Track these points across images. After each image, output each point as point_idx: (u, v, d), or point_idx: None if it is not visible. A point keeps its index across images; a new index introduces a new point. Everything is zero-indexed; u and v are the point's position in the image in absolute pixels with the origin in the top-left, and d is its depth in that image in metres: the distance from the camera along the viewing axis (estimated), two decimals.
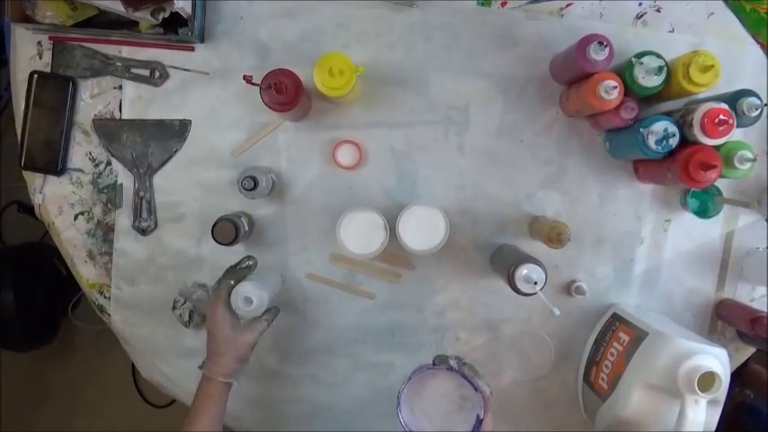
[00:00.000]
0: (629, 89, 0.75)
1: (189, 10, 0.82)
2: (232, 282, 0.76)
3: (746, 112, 0.74)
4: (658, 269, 0.91)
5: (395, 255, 0.89)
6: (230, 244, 0.81)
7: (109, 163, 0.90)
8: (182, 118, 0.89)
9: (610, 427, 0.79)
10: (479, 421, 0.59)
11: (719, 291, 0.91)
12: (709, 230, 0.90)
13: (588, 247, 0.90)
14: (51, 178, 0.90)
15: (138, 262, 0.91)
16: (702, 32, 0.87)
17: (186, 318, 0.89)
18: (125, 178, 0.90)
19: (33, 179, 0.91)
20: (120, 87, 0.89)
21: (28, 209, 1.65)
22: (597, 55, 0.73)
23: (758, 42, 0.88)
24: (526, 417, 0.93)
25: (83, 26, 0.85)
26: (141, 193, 0.90)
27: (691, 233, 0.90)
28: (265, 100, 0.77)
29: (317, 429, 0.93)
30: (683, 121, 0.74)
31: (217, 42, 0.88)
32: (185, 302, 0.89)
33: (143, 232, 0.90)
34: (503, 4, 0.87)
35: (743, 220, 0.90)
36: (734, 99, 0.75)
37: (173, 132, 0.89)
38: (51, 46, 0.88)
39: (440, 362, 0.62)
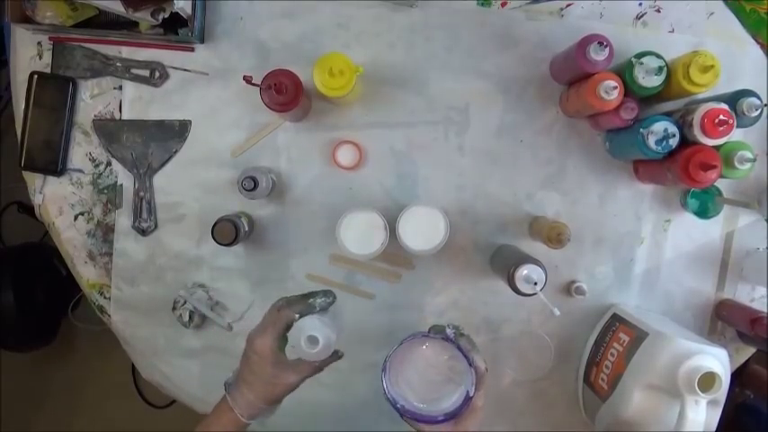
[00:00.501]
0: (629, 89, 0.75)
1: (189, 10, 0.82)
2: (297, 315, 0.63)
3: (746, 113, 0.74)
4: (658, 269, 0.91)
5: (395, 255, 0.89)
6: (230, 244, 0.81)
7: (109, 163, 0.90)
8: (182, 118, 0.89)
9: (610, 427, 0.79)
10: (468, 399, 0.55)
11: (719, 291, 0.91)
12: (709, 231, 0.90)
13: (588, 247, 0.90)
14: (51, 179, 0.90)
15: (138, 262, 0.91)
16: (702, 32, 0.87)
17: (186, 318, 0.89)
18: (125, 179, 0.90)
19: (33, 179, 0.91)
20: (120, 88, 0.89)
21: (28, 209, 1.65)
22: (597, 55, 0.73)
23: (758, 42, 0.88)
24: (526, 417, 0.93)
25: (83, 26, 0.85)
26: (141, 194, 0.90)
27: (691, 233, 0.90)
28: (265, 100, 0.77)
29: (318, 429, 0.93)
30: (683, 121, 0.74)
31: (217, 42, 0.88)
32: (185, 303, 0.89)
33: (143, 233, 0.90)
34: (503, 5, 0.87)
35: (743, 221, 0.90)
36: (734, 99, 0.75)
37: (173, 133, 0.89)
38: (51, 46, 0.88)
39: (436, 331, 0.59)
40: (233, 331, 0.92)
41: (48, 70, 0.88)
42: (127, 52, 0.88)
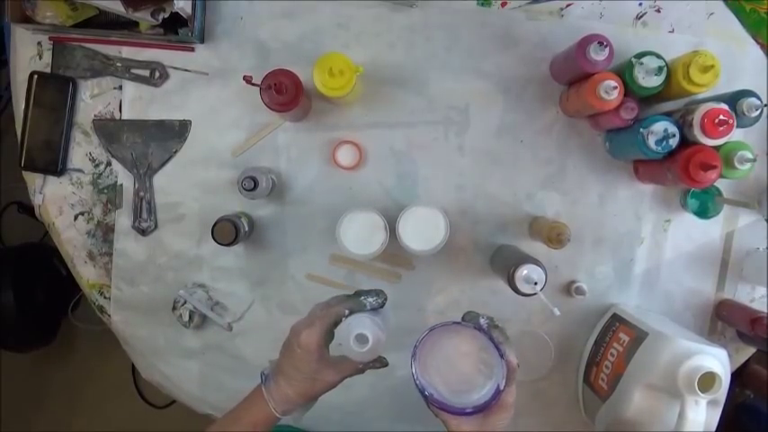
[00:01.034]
0: (629, 89, 0.75)
1: (189, 10, 0.82)
2: (347, 311, 0.61)
3: (746, 113, 0.74)
4: (658, 269, 0.91)
5: (395, 255, 0.89)
6: (230, 244, 0.81)
7: (109, 163, 0.90)
8: (182, 118, 0.89)
9: (610, 427, 0.79)
10: (498, 392, 0.53)
11: (719, 291, 0.91)
12: (709, 231, 0.90)
13: (588, 247, 0.90)
14: (51, 179, 0.90)
15: (138, 262, 0.91)
16: (702, 32, 0.87)
17: (186, 318, 0.89)
18: (125, 179, 0.90)
19: (33, 179, 0.91)
20: (120, 88, 0.89)
21: (28, 209, 1.64)
22: (597, 55, 0.73)
23: (758, 42, 0.88)
24: (526, 417, 0.93)
25: (83, 26, 0.85)
26: (141, 194, 0.90)
27: (691, 233, 0.90)
28: (265, 100, 0.77)
29: (317, 429, 0.93)
30: (683, 121, 0.74)
31: (217, 42, 0.88)
32: (185, 303, 0.89)
33: (143, 233, 0.90)
34: (503, 5, 0.87)
35: (743, 221, 0.90)
36: (734, 99, 0.75)
37: (173, 133, 0.89)
38: (51, 46, 0.88)
39: (469, 319, 0.56)
40: (233, 331, 0.92)
41: (48, 70, 0.88)
42: (127, 52, 0.88)
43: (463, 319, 0.58)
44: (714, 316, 0.92)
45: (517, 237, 0.89)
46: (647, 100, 0.78)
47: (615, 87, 0.73)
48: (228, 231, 0.80)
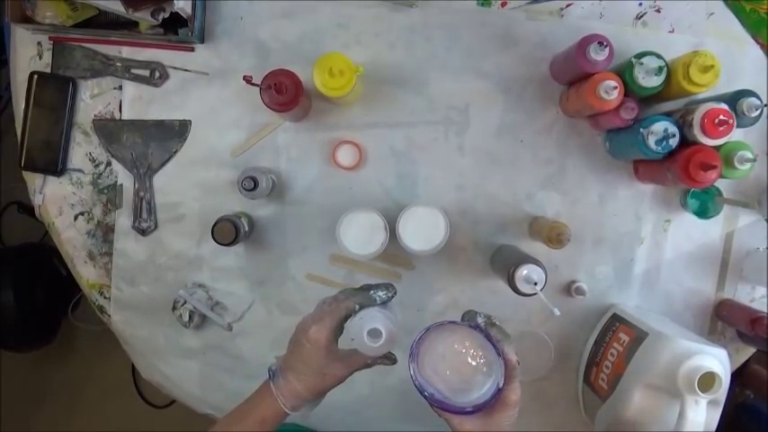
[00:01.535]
0: (629, 89, 0.75)
1: (189, 10, 0.82)
2: (357, 306, 0.61)
3: (746, 113, 0.74)
4: (658, 269, 0.91)
5: (395, 255, 0.89)
6: (230, 244, 0.81)
7: (109, 163, 0.90)
8: (182, 118, 0.89)
9: (610, 427, 0.79)
10: (498, 390, 0.53)
11: (719, 291, 0.91)
12: (709, 231, 0.90)
13: (588, 247, 0.90)
14: (51, 179, 0.90)
15: (138, 262, 0.91)
16: (702, 32, 0.87)
17: (186, 318, 0.89)
18: (125, 179, 0.90)
19: (33, 179, 0.91)
20: (120, 88, 0.89)
21: (28, 209, 1.65)
22: (597, 55, 0.73)
23: (758, 42, 0.88)
24: (526, 417, 0.93)
25: (83, 26, 0.85)
26: (141, 194, 0.90)
27: (691, 233, 0.90)
28: (265, 100, 0.77)
29: (317, 429, 0.93)
30: (683, 121, 0.74)
31: (217, 42, 0.88)
32: (185, 303, 0.89)
33: (143, 233, 0.90)
34: (503, 5, 0.87)
35: (743, 221, 0.90)
36: (734, 99, 0.75)
37: (173, 133, 0.89)
38: (51, 46, 0.88)
39: (468, 318, 0.56)
40: (233, 331, 0.92)
41: (48, 70, 0.88)
42: (127, 52, 0.88)
43: (462, 318, 0.57)
44: (714, 316, 0.92)
45: (517, 237, 0.89)
46: (647, 100, 0.78)
47: (615, 87, 0.73)
48: (228, 231, 0.80)
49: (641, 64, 0.74)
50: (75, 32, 0.86)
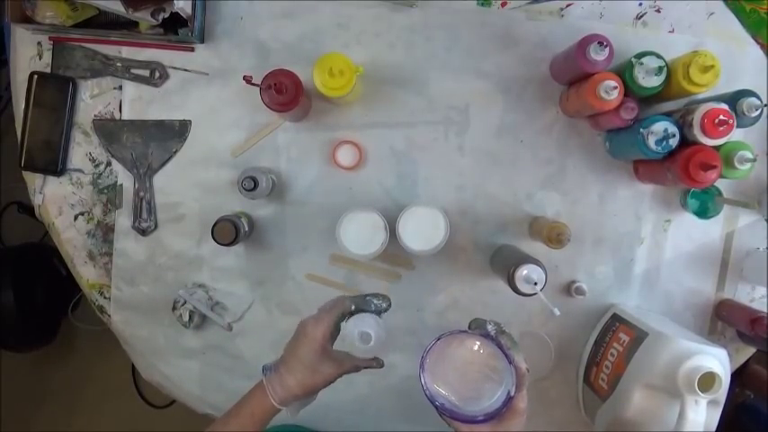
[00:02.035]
0: (629, 89, 0.75)
1: (189, 10, 0.82)
2: (353, 306, 0.64)
3: (746, 113, 0.74)
4: (658, 269, 0.90)
5: (395, 255, 0.89)
6: (230, 244, 0.81)
7: (109, 163, 0.90)
8: (182, 118, 0.89)
9: (610, 427, 0.79)
10: (509, 398, 0.53)
11: (719, 291, 0.91)
12: (709, 231, 0.90)
13: (588, 247, 0.90)
14: (51, 179, 0.90)
15: (138, 262, 0.91)
16: (702, 32, 0.87)
17: (186, 318, 0.89)
18: (125, 179, 0.90)
19: (33, 179, 0.91)
20: (120, 88, 0.89)
21: (28, 209, 1.65)
22: (597, 55, 0.73)
23: (758, 42, 0.88)
24: (527, 417, 0.93)
25: (83, 26, 0.85)
26: (141, 194, 0.90)
27: (691, 233, 0.90)
28: (265, 100, 0.77)
29: (317, 429, 0.93)
30: (683, 121, 0.74)
31: (217, 42, 0.88)
32: (185, 303, 0.89)
33: (143, 233, 0.90)
34: (503, 5, 0.87)
35: (743, 221, 0.90)
36: (734, 99, 0.75)
37: (173, 133, 0.89)
38: (51, 46, 0.88)
39: (476, 326, 0.57)
40: (233, 331, 0.92)
41: (48, 70, 0.88)
42: (127, 52, 0.88)
43: (470, 326, 0.58)
44: (714, 316, 0.92)
45: (517, 237, 0.89)
46: (647, 100, 0.78)
47: (615, 87, 0.73)
48: (228, 231, 0.80)
49: (641, 64, 0.74)
50: (75, 32, 0.86)
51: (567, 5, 0.87)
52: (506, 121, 0.88)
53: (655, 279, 0.91)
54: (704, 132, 0.71)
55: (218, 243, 0.81)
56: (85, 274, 0.92)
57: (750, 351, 0.93)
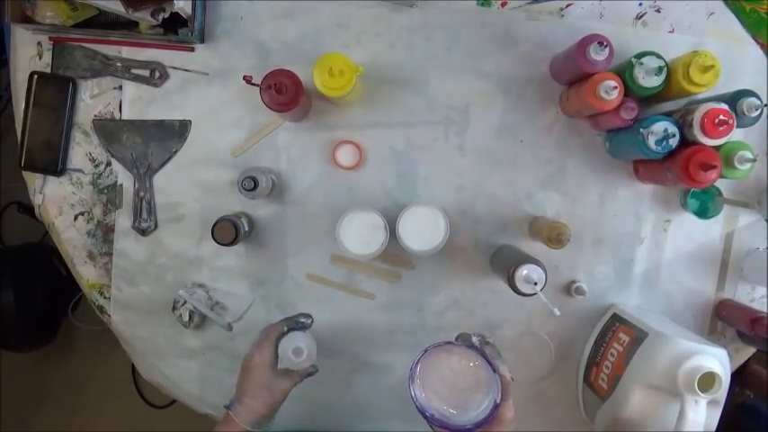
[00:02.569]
0: (629, 89, 0.75)
1: (189, 10, 0.82)
2: (285, 328, 0.74)
3: (746, 113, 0.74)
4: (658, 269, 0.91)
5: (395, 255, 0.89)
6: (230, 244, 0.81)
7: (109, 163, 0.90)
8: (182, 118, 0.89)
9: (610, 427, 0.79)
10: (495, 406, 0.55)
11: (719, 291, 0.91)
12: (709, 231, 0.90)
13: (588, 247, 0.90)
14: (51, 179, 0.90)
15: (138, 262, 0.91)
16: (702, 32, 0.87)
17: (186, 318, 0.89)
18: (125, 179, 0.90)
19: (33, 179, 0.91)
20: (120, 88, 0.89)
21: (28, 209, 1.65)
22: (597, 55, 0.73)
23: (758, 42, 0.88)
24: (526, 417, 0.93)
25: (83, 26, 0.85)
26: (141, 194, 0.90)
27: (691, 233, 0.90)
28: (265, 100, 0.77)
29: (317, 429, 0.93)
30: (683, 121, 0.74)
31: (217, 42, 0.88)
32: (185, 303, 0.89)
33: (143, 233, 0.90)
34: (503, 5, 0.87)
35: (743, 221, 0.90)
36: (734, 99, 0.75)
37: (173, 133, 0.89)
38: (51, 46, 0.88)
39: (462, 339, 0.59)
40: (233, 331, 0.92)
41: (48, 70, 0.88)
42: (127, 52, 0.88)
43: (456, 339, 0.59)
44: (714, 316, 0.92)
45: (517, 237, 0.89)
46: (647, 100, 0.78)
47: (615, 87, 0.73)
48: (228, 231, 0.80)
49: (641, 64, 0.74)
50: (75, 32, 0.86)
51: (567, 5, 0.87)
52: (506, 121, 0.88)
53: (655, 279, 0.91)
54: (704, 132, 0.71)
55: (218, 243, 0.81)
56: (85, 274, 0.92)
57: (750, 351, 0.93)
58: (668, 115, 0.76)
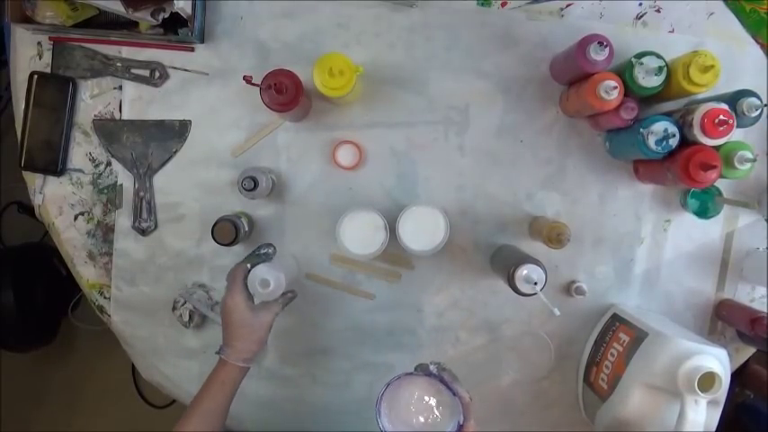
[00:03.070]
0: (629, 89, 0.75)
1: (189, 10, 0.81)
2: (248, 266, 0.75)
3: (746, 113, 0.74)
4: (658, 269, 0.91)
5: (395, 255, 0.89)
6: (230, 244, 0.81)
7: (109, 163, 0.90)
8: (182, 118, 0.89)
9: (610, 427, 0.79)
10: (459, 427, 0.59)
11: (719, 291, 0.91)
12: (709, 231, 0.90)
13: (588, 247, 0.90)
14: (51, 179, 0.90)
15: (138, 262, 0.91)
16: (702, 32, 0.87)
17: (186, 318, 0.89)
18: (125, 179, 0.90)
19: (33, 179, 0.91)
20: (120, 88, 0.89)
21: (28, 209, 1.65)
22: (597, 55, 0.73)
23: (758, 42, 0.88)
24: (526, 417, 0.93)
25: (83, 26, 0.85)
26: (141, 194, 0.90)
27: (691, 233, 0.90)
28: (265, 100, 0.77)
29: (317, 429, 0.93)
30: (683, 121, 0.74)
31: (217, 42, 0.88)
32: (185, 303, 0.89)
33: (143, 233, 0.90)
34: (503, 5, 0.87)
35: (743, 221, 0.90)
36: (734, 99, 0.75)
37: (173, 133, 0.89)
38: (51, 46, 0.88)
39: (420, 369, 0.63)
40: None
41: (48, 70, 0.88)
42: (127, 52, 0.88)
43: (415, 369, 0.63)
44: (714, 316, 0.92)
45: (517, 237, 0.89)
46: (647, 100, 0.78)
47: (615, 87, 0.73)
48: (228, 231, 0.80)
49: (641, 64, 0.74)
50: (75, 32, 0.86)
51: (567, 5, 0.87)
52: (506, 121, 0.88)
53: (655, 279, 0.91)
54: (704, 132, 0.71)
55: (218, 243, 0.81)
56: (85, 274, 0.92)
57: (750, 351, 0.93)
58: (668, 115, 0.76)
